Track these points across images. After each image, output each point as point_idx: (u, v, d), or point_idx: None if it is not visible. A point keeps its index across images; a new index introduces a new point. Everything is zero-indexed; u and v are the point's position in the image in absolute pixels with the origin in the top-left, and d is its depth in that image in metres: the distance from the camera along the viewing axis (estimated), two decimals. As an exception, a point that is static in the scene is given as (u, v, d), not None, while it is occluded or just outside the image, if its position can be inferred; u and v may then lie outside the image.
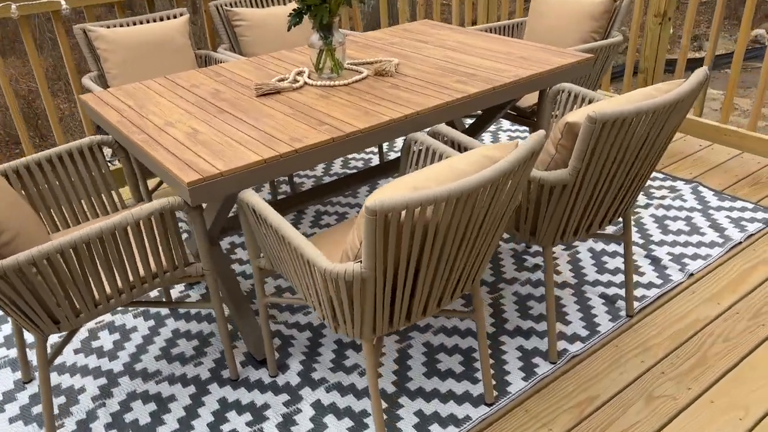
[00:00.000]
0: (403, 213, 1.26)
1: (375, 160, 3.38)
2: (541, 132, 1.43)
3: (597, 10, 2.81)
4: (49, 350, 2.13)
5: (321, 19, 2.08)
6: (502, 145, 1.47)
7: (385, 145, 3.52)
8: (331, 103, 2.03)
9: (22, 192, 1.92)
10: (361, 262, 1.34)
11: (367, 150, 3.50)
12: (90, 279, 1.57)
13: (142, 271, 1.71)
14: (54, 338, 2.22)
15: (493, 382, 1.94)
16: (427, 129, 2.00)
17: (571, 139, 1.64)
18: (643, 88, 1.73)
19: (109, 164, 2.25)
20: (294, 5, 3.06)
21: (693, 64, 9.89)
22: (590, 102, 2.09)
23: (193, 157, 1.69)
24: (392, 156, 3.40)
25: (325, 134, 1.79)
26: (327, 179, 3.20)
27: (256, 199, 1.60)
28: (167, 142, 1.79)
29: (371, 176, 2.60)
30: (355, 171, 3.26)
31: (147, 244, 1.65)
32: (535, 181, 1.69)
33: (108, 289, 1.66)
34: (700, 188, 2.96)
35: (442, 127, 1.95)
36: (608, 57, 2.79)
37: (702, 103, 3.39)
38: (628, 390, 1.90)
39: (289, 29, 2.08)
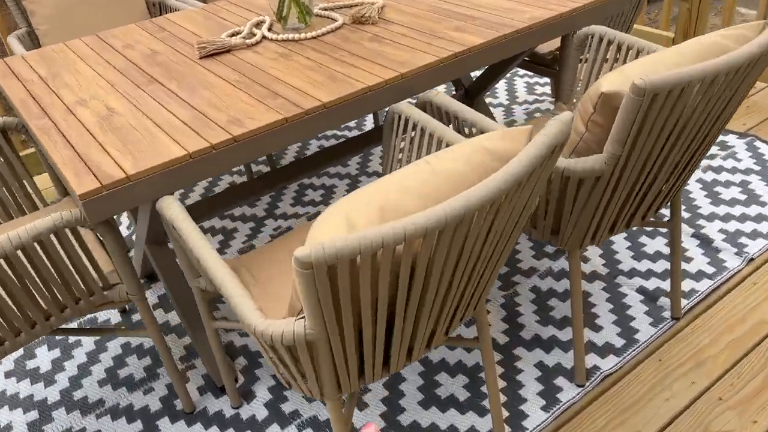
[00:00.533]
0: (358, 258, 0.84)
1: (369, 122, 2.92)
2: (568, 114, 0.98)
3: (634, -74, 2.25)
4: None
5: (275, -46, 1.59)
6: (512, 133, 1.03)
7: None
8: (291, 64, 1.57)
9: None
10: (304, 318, 0.93)
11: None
12: (-34, 323, 1.19)
13: (43, 304, 1.32)
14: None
15: (506, 414, 1.55)
16: (417, 96, 1.54)
17: (607, 114, 1.18)
18: (706, 35, 1.25)
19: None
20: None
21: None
22: (629, 53, 1.60)
23: (97, 154, 1.27)
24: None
25: (277, 112, 1.35)
26: (314, 145, 2.75)
27: (175, 210, 1.18)
28: (71, 131, 1.36)
29: (366, 143, 2.15)
30: (346, 135, 2.81)
31: (43, 272, 1.26)
32: (558, 172, 1.25)
33: (6, 325, 1.28)
34: (757, 143, 2.47)
35: (434, 96, 1.49)
36: (648, -15, 2.25)
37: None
38: (678, 424, 1.50)
39: (235, -32, 1.60)
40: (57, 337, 1.91)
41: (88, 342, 1.88)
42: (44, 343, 1.89)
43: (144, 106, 1.43)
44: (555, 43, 2.23)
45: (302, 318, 0.93)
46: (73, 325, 1.95)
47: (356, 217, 0.89)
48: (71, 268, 1.28)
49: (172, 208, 1.18)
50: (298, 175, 2.06)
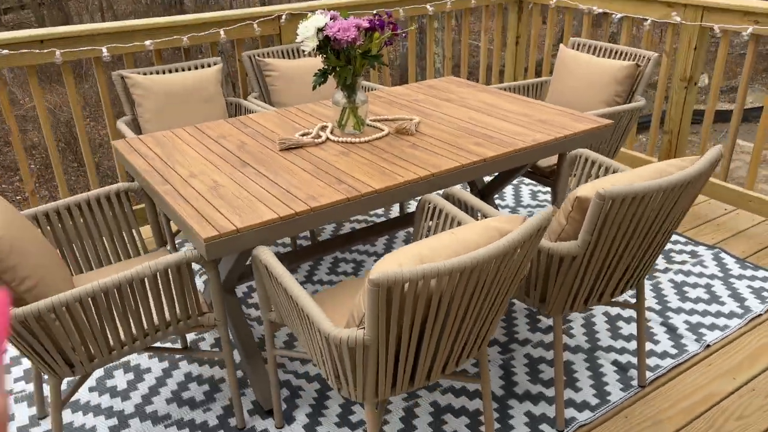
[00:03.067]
0: (406, 285, 1.29)
1: (395, 210, 3.42)
2: (550, 208, 1.45)
3: (620, 74, 2.85)
4: (63, 389, 2.19)
5: (345, 80, 2.15)
6: (511, 218, 1.50)
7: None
8: (350, 160, 2.09)
9: (49, 229, 2.00)
10: (364, 328, 1.36)
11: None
12: (106, 326, 1.63)
13: (156, 320, 1.76)
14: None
15: (498, 448, 1.92)
16: (442, 190, 2.03)
17: (581, 212, 1.66)
18: (658, 163, 1.75)
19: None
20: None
21: (726, 116, 9.79)
22: (606, 171, 2.11)
23: (212, 212, 1.75)
24: (412, 207, 3.44)
25: (342, 193, 1.84)
26: (347, 226, 3.24)
27: (269, 256, 1.65)
28: (189, 195, 1.86)
29: (391, 227, 2.63)
30: (375, 221, 3.31)
31: (162, 295, 1.71)
32: (544, 251, 1.71)
33: (122, 336, 1.71)
34: (722, 255, 2.93)
35: (456, 191, 1.99)
36: (631, 119, 2.81)
37: (727, 167, 3.37)
38: (636, 465, 1.86)
39: (314, 88, 2.16)
40: (132, 363, 2.31)
41: (157, 369, 2.28)
42: (120, 367, 2.30)
43: (242, 182, 1.94)
44: (553, 160, 2.75)
45: (362, 328, 1.37)
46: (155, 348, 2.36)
47: (404, 262, 1.35)
48: (185, 294, 1.73)
49: (267, 255, 1.65)
50: (332, 249, 2.52)
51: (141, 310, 1.67)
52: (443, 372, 1.62)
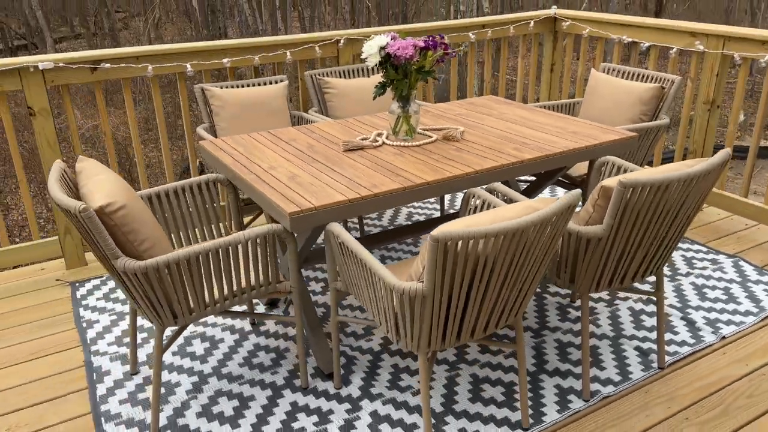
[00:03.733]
0: (460, 243, 1.60)
1: (436, 215, 3.73)
2: (577, 191, 1.75)
3: (646, 95, 3.14)
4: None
5: (401, 92, 2.50)
6: (544, 200, 1.80)
7: (446, 202, 3.87)
8: (404, 159, 2.42)
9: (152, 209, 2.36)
10: (423, 282, 1.67)
11: (430, 206, 3.87)
12: (204, 284, 1.97)
13: (243, 283, 2.09)
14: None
15: (530, 412, 2.19)
16: (485, 186, 2.34)
17: (606, 200, 1.95)
18: (674, 163, 2.03)
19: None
20: (377, 78, 3.53)
21: (764, 152, 9.92)
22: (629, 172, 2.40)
23: (292, 194, 2.09)
24: (451, 212, 3.74)
25: (399, 183, 2.17)
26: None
27: (340, 229, 1.98)
28: (272, 181, 2.20)
29: (432, 226, 2.94)
30: (418, 219, 3.62)
31: (251, 261, 2.04)
32: (574, 233, 2.00)
33: (216, 294, 2.05)
34: (742, 263, 3.15)
35: (498, 185, 2.30)
36: (655, 136, 3.09)
37: (748, 184, 3.60)
38: (654, 430, 2.11)
39: (374, 98, 2.50)
40: (207, 334, 2.65)
41: (229, 340, 2.61)
42: (198, 337, 2.63)
43: (314, 174, 2.28)
44: (584, 169, 3.04)
45: (421, 282, 1.68)
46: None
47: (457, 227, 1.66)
48: (268, 262, 2.06)
49: (338, 228, 1.98)
50: (379, 243, 2.84)
51: (232, 272, 2.01)
52: (485, 331, 1.91)
